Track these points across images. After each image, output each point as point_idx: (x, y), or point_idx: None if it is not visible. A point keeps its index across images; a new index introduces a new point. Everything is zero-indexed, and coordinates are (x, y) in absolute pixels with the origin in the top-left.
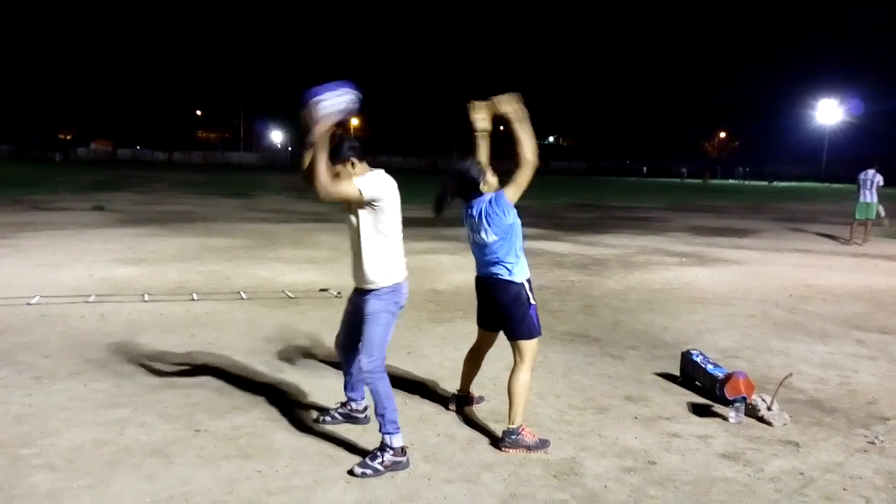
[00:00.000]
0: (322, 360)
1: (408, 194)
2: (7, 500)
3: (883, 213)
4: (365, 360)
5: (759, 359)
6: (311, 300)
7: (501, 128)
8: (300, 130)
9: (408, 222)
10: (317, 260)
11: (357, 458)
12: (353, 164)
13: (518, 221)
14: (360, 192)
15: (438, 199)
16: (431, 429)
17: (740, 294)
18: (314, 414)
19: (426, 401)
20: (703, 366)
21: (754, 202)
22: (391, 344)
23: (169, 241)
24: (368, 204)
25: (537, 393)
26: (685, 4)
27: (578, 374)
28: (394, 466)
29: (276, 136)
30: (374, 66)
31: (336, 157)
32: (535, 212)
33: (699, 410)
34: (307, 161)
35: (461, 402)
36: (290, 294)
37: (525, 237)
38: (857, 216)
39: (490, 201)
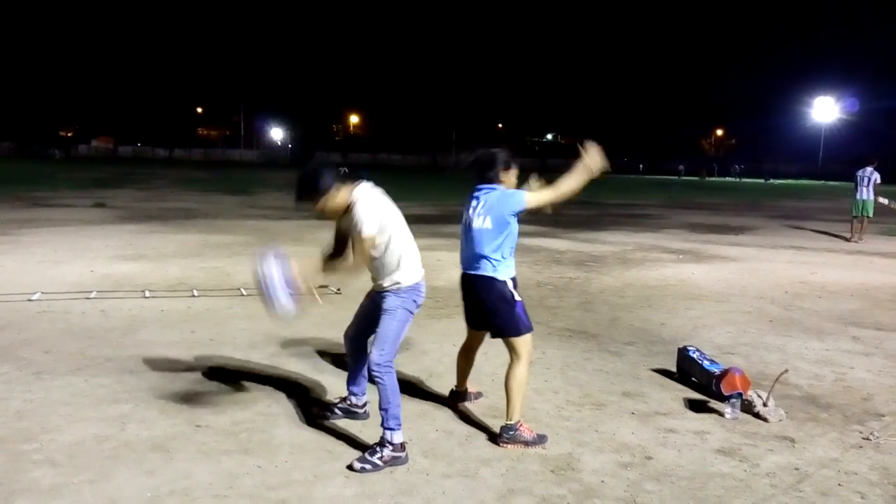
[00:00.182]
0: (322, 356)
1: (407, 192)
2: (8, 496)
3: (886, 202)
4: (376, 353)
5: (755, 355)
6: (311, 297)
7: (501, 125)
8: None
9: (406, 219)
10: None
11: (356, 453)
12: (329, 194)
13: (516, 227)
14: (372, 237)
15: (469, 160)
16: (430, 424)
17: (736, 291)
18: (314, 409)
19: (425, 397)
20: (700, 362)
21: (751, 199)
22: None
23: (170, 237)
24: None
25: (535, 389)
26: (682, 2)
27: (576, 370)
28: (393, 462)
29: (277, 134)
30: (373, 63)
31: (311, 198)
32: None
33: (695, 406)
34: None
35: (457, 398)
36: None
37: (523, 234)
38: (853, 213)
39: (502, 193)
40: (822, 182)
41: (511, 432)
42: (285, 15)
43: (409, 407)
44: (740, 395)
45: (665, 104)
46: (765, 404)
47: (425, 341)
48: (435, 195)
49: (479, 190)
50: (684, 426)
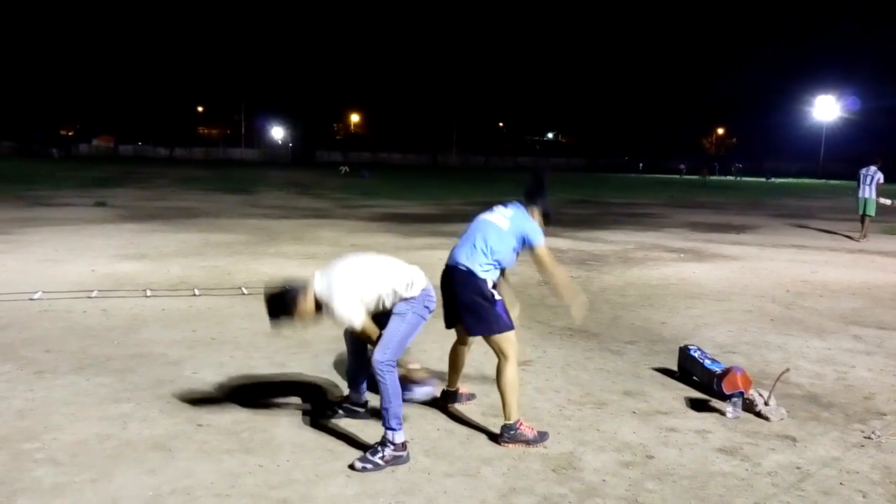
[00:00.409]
0: (323, 355)
1: (408, 191)
2: (10, 495)
3: (889, 202)
4: (378, 352)
5: (756, 354)
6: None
7: (502, 124)
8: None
9: (407, 218)
10: (318, 255)
11: (358, 453)
12: (298, 306)
13: (515, 256)
14: (363, 321)
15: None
16: (431, 423)
17: (738, 290)
18: (315, 408)
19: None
20: (701, 361)
21: (752, 198)
22: None
23: (171, 236)
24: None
25: (536, 388)
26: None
27: (577, 369)
28: (394, 461)
29: (278, 132)
30: (374, 62)
31: (286, 316)
32: None
33: (697, 405)
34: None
35: (448, 399)
36: None
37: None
38: (859, 211)
39: (528, 217)
40: (824, 181)
41: (512, 431)
42: (286, 14)
43: (410, 406)
44: (742, 394)
45: (666, 103)
46: (766, 403)
47: (427, 340)
48: (435, 194)
49: (513, 203)
50: (686, 425)
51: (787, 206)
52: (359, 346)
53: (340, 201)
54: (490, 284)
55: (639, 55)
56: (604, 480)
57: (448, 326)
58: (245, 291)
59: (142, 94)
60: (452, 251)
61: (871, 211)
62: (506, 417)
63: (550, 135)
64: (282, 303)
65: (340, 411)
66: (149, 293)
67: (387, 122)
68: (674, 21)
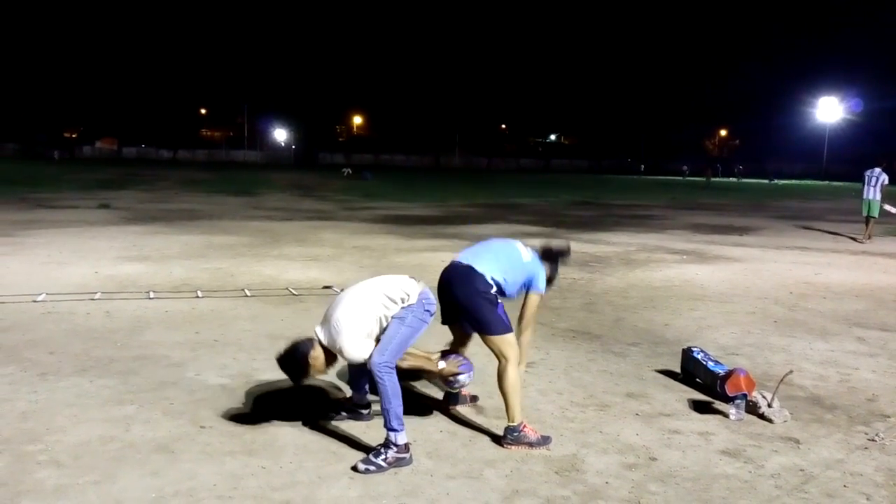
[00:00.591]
0: None
1: (411, 193)
2: (13, 496)
3: (894, 210)
4: (376, 354)
5: (759, 356)
6: (314, 297)
7: (504, 125)
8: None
9: (409, 220)
10: (320, 257)
11: (361, 455)
12: (311, 362)
13: (515, 291)
14: (365, 355)
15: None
16: (434, 425)
17: (741, 291)
18: (318, 410)
19: (428, 398)
20: (704, 363)
21: (754, 200)
22: None
23: (174, 238)
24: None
25: (539, 390)
26: (686, 2)
27: (580, 370)
28: (397, 463)
29: (280, 134)
30: (376, 64)
31: (304, 374)
32: (537, 210)
33: (700, 407)
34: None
35: (450, 400)
36: (294, 291)
37: (526, 234)
38: (863, 212)
39: (540, 265)
40: (827, 182)
41: (515, 433)
42: (288, 16)
43: (413, 408)
44: (745, 395)
45: (668, 104)
46: (769, 405)
47: (429, 341)
48: (438, 196)
49: (532, 249)
50: (689, 427)
51: (789, 207)
52: None
53: (343, 203)
54: (493, 287)
55: (641, 57)
56: (607, 483)
57: (444, 322)
58: (248, 293)
59: (145, 97)
60: (463, 251)
61: (876, 212)
62: (509, 419)
63: (553, 136)
64: (295, 361)
65: (343, 413)
66: (152, 295)
67: (389, 123)
68: (676, 23)
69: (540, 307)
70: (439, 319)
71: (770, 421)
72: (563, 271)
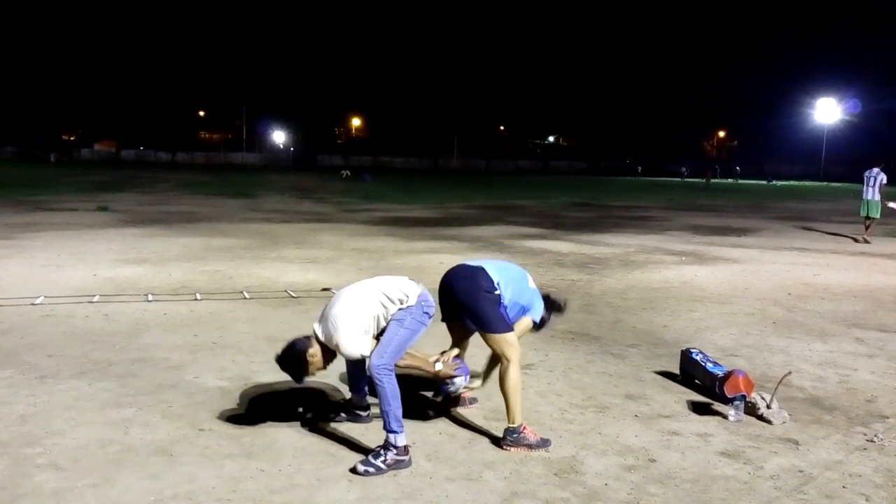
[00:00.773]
0: None
1: (409, 195)
2: (12, 500)
3: (894, 206)
4: (375, 356)
5: (758, 357)
6: (313, 299)
7: (503, 127)
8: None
9: (408, 221)
10: (319, 259)
11: (359, 457)
12: (310, 358)
13: (511, 309)
14: (374, 347)
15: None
16: (433, 427)
17: (739, 292)
18: (317, 412)
19: (427, 400)
20: (703, 364)
21: (753, 201)
22: None
23: (172, 241)
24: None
25: (538, 391)
26: (684, 3)
27: (579, 372)
28: (396, 465)
29: (279, 137)
30: (375, 66)
31: (303, 372)
32: (535, 211)
33: (699, 409)
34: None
35: (448, 401)
36: (293, 293)
37: (526, 236)
38: (861, 213)
39: (540, 298)
40: (825, 183)
41: (514, 435)
42: (287, 18)
43: (412, 410)
44: (744, 397)
45: (667, 105)
46: (768, 406)
47: (428, 344)
48: (436, 198)
49: (535, 286)
50: (688, 428)
51: (788, 208)
52: None
53: (342, 205)
54: (497, 288)
55: (640, 58)
56: (606, 484)
57: (444, 320)
58: (246, 296)
59: (143, 99)
60: (472, 260)
61: (875, 213)
62: (509, 421)
63: (551, 138)
64: (293, 359)
65: (343, 415)
66: (150, 298)
67: (388, 125)
68: (675, 24)
69: (527, 333)
70: (439, 319)
71: (769, 422)
72: (561, 273)
